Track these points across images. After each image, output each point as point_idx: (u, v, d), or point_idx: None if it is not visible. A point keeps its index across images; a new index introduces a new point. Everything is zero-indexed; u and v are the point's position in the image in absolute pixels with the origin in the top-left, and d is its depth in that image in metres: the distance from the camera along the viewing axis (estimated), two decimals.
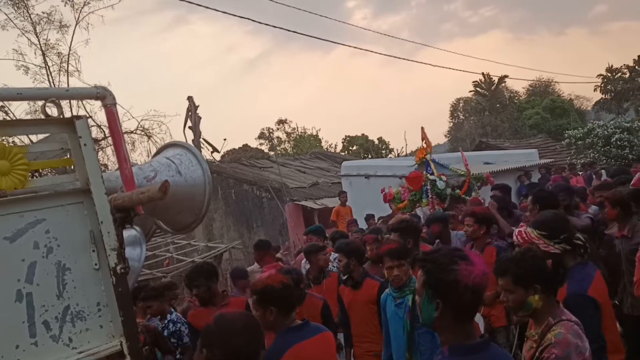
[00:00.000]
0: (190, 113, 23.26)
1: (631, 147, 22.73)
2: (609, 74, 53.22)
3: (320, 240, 6.67)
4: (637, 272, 3.51)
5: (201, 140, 23.64)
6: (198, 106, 23.59)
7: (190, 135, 23.03)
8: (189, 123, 23.22)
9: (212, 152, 23.72)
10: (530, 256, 2.81)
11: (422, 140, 10.51)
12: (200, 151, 23.77)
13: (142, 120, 23.06)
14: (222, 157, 36.72)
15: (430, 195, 9.42)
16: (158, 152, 3.53)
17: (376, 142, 50.91)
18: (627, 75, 51.95)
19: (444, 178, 9.72)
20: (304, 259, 6.32)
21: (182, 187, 3.17)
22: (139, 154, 22.93)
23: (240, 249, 15.06)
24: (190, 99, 23.63)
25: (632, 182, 4.08)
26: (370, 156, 46.03)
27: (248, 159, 27.69)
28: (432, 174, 9.75)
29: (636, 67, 51.35)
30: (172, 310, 5.55)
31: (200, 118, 23.64)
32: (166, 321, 5.26)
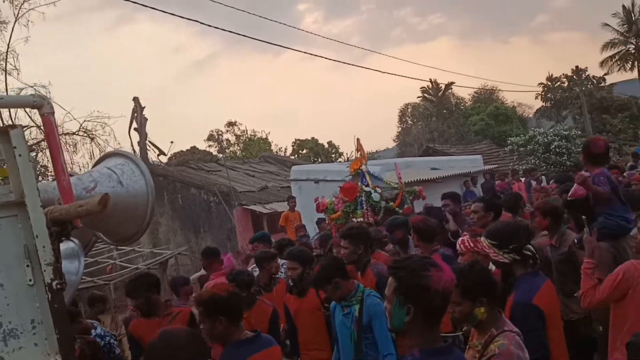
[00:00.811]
0: (135, 114, 22.70)
1: (569, 154, 23.69)
2: (549, 83, 55.34)
3: (266, 247, 6.63)
4: (583, 284, 3.62)
5: (147, 142, 23.14)
6: (144, 107, 23.05)
7: (135, 137, 22.50)
8: (135, 124, 22.67)
9: (158, 155, 23.25)
10: (478, 269, 2.88)
11: (357, 151, 10.53)
12: (147, 154, 23.35)
13: (84, 121, 22.29)
14: (169, 159, 36.04)
15: (364, 207, 9.38)
16: (99, 162, 3.43)
17: (326, 145, 51.14)
18: (566, 84, 54.15)
19: (378, 190, 9.75)
20: (252, 266, 6.28)
21: (124, 198, 3.09)
22: (81, 156, 22.17)
23: (187, 254, 14.80)
24: (136, 99, 23.07)
25: (570, 193, 4.20)
26: (320, 160, 46.21)
27: (196, 161, 27.31)
28: (367, 185, 9.77)
29: (574, 77, 53.61)
30: (96, 324, 5.44)
31: (147, 119, 23.12)
32: (92, 337, 5.11)
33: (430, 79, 47.64)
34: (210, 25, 9.96)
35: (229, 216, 18.29)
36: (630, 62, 48.81)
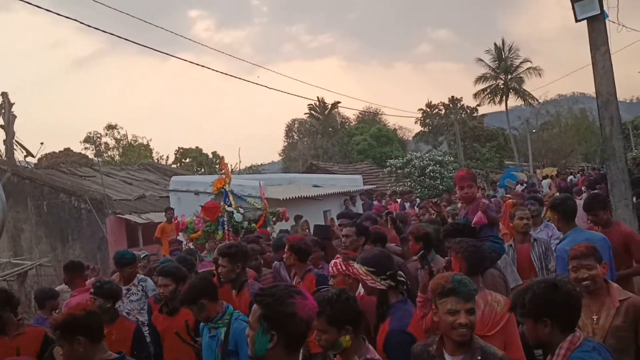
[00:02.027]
0: (3, 111, 21.09)
1: (442, 178, 25.13)
2: (428, 109, 58.67)
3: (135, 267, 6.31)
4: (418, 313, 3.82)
5: (14, 141, 21.48)
6: (13, 104, 21.49)
7: (2, 135, 20.82)
8: (1, 122, 21.00)
9: (25, 156, 21.61)
10: (345, 298, 2.92)
11: (222, 170, 10.45)
12: (13, 154, 21.62)
13: None
14: (40, 160, 33.67)
15: (226, 227, 9.20)
16: None
17: (210, 156, 50.29)
18: (443, 111, 57.65)
19: (241, 210, 9.61)
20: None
21: None
22: None
23: (50, 265, 13.74)
24: (4, 95, 21.44)
25: (475, 221, 4.37)
26: (203, 170, 45.32)
27: (69, 164, 25.67)
28: (230, 205, 9.59)
29: (450, 105, 57.20)
30: None
31: (15, 117, 21.54)
32: None
33: (318, 97, 48.62)
34: (89, 26, 9.36)
35: (100, 225, 17.30)
36: (499, 96, 52.90)
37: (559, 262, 4.62)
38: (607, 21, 6.47)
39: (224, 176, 10.36)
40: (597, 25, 6.29)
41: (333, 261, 4.18)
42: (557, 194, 6.11)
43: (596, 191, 6.06)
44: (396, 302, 3.45)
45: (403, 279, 3.52)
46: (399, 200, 17.57)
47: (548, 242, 5.60)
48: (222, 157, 10.27)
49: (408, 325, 3.35)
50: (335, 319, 2.80)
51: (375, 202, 16.76)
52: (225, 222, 9.18)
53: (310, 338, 4.97)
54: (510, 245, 5.57)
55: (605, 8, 6.44)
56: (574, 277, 3.36)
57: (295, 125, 54.22)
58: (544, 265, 5.36)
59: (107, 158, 46.23)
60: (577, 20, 6.32)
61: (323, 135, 48.02)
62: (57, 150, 42.56)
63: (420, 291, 3.74)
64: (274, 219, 10.21)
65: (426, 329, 3.59)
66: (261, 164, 51.59)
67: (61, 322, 3.09)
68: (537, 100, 51.98)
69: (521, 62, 52.44)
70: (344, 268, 3.92)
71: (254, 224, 9.62)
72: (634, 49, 18.43)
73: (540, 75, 51.81)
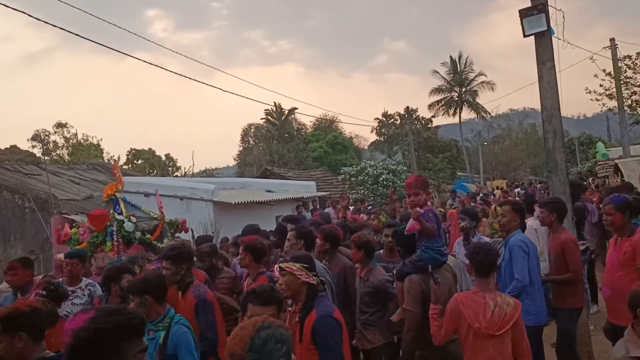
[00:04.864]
0: None
1: (395, 187, 25.40)
2: (384, 119, 59.44)
3: (83, 267, 6.13)
4: (432, 326, 3.85)
5: None
6: None
7: None
8: None
9: None
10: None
11: (115, 175, 9.39)
12: None
13: None
14: None
15: (115, 238, 8.22)
16: None
17: (164, 158, 49.51)
18: (399, 121, 58.51)
19: (133, 219, 8.71)
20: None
21: None
22: None
23: None
24: None
25: (407, 228, 4.42)
26: (155, 172, 44.55)
27: (15, 162, 24.77)
28: (121, 213, 8.64)
29: (406, 115, 58.12)
30: None
31: None
32: None
33: (275, 103, 48.56)
34: (41, 20, 9.04)
35: (44, 225, 16.74)
36: (453, 108, 54.09)
37: (516, 252, 4.92)
38: (553, 37, 6.69)
39: (115, 181, 9.35)
40: (543, 41, 6.48)
41: (275, 266, 4.20)
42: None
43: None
44: (320, 296, 3.61)
45: (323, 279, 3.73)
46: (351, 207, 17.65)
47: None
48: (115, 161, 9.57)
49: (333, 312, 3.53)
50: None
51: (329, 209, 16.79)
52: (114, 232, 8.22)
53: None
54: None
55: (552, 25, 6.67)
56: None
57: (252, 130, 54.01)
58: None
59: (55, 157, 44.92)
60: (525, 36, 6.50)
61: (279, 141, 47.95)
62: (2, 147, 41.12)
63: (432, 303, 3.95)
64: (172, 230, 9.39)
65: (442, 340, 3.85)
66: (215, 168, 51.09)
67: (5, 316, 3.01)
68: (490, 113, 53.47)
69: (476, 76, 53.88)
70: (292, 268, 3.92)
71: (148, 235, 8.76)
72: (583, 68, 19.15)
73: (493, 89, 53.41)
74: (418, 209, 4.36)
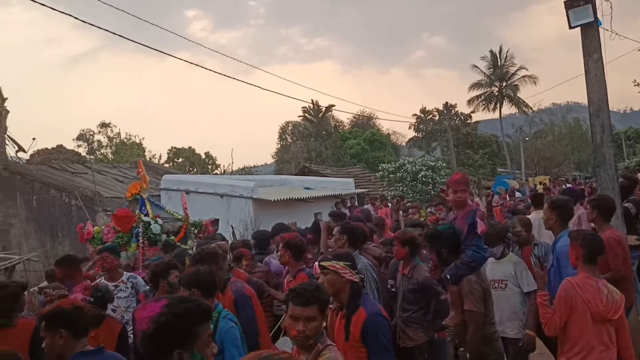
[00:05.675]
0: None
1: (434, 184, 25.14)
2: (422, 115, 58.83)
3: (116, 259, 6.23)
4: (544, 314, 3.81)
5: (6, 136, 21.30)
6: (6, 98, 21.27)
7: None
8: None
9: (17, 151, 21.42)
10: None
11: (139, 174, 9.05)
12: (5, 149, 21.46)
13: None
14: (32, 156, 33.49)
15: (141, 240, 7.93)
16: None
17: (203, 156, 50.20)
18: (437, 117, 57.82)
19: (159, 221, 8.45)
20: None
21: None
22: None
23: (38, 260, 13.63)
24: None
25: (480, 230, 4.35)
26: (195, 170, 45.22)
27: (61, 161, 25.52)
28: (147, 214, 8.33)
29: (444, 111, 57.39)
30: None
31: (8, 112, 21.33)
32: None
33: (312, 100, 48.62)
34: (85, 22, 9.26)
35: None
36: (493, 103, 53.09)
37: (564, 260, 4.62)
38: (600, 29, 6.49)
39: (140, 180, 9.02)
40: (590, 33, 6.31)
41: (315, 264, 4.22)
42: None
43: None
44: (364, 294, 3.64)
45: (362, 276, 3.74)
46: (389, 205, 17.56)
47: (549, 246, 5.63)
48: (140, 161, 9.37)
49: (381, 310, 3.56)
50: (325, 307, 2.93)
51: (368, 206, 16.73)
52: (140, 234, 7.95)
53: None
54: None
55: (599, 16, 6.47)
56: None
57: (289, 128, 54.18)
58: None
59: (99, 156, 46.08)
60: (570, 27, 6.34)
61: (316, 138, 48.00)
62: (49, 147, 42.37)
63: (540, 289, 4.01)
64: (196, 231, 9.20)
65: (557, 328, 3.78)
66: (254, 166, 51.48)
67: (47, 314, 3.18)
68: (531, 108, 52.23)
69: (516, 70, 52.75)
70: (335, 267, 3.92)
71: (172, 237, 8.58)
72: (629, 60, 18.55)
73: (535, 83, 52.12)
74: (482, 209, 4.35)
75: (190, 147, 50.12)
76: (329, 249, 5.63)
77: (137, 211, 8.36)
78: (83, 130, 48.64)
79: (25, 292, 5.76)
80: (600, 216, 5.22)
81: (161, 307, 2.17)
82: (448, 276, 4.29)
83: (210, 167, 49.22)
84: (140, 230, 7.97)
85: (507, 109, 53.97)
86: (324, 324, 2.91)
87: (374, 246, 6.40)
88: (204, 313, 2.22)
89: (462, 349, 4.40)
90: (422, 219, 7.80)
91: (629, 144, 46.96)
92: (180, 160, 48.75)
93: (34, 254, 14.07)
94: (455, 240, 4.32)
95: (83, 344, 3.16)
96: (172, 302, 2.21)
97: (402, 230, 5.42)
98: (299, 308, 2.83)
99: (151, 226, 8.15)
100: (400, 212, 8.88)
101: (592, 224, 5.52)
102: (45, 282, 6.62)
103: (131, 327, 5.17)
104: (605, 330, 3.66)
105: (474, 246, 4.28)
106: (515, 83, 52.41)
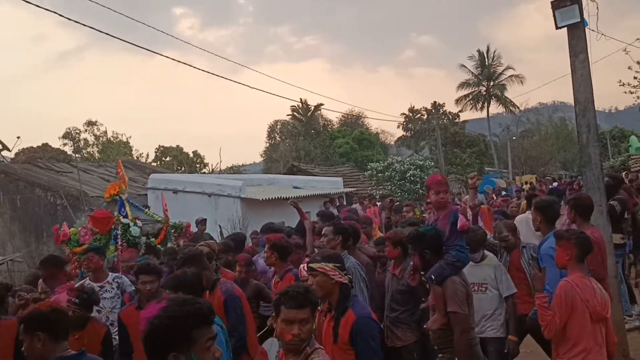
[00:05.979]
0: None
1: (422, 183, 25.19)
2: (410, 114, 58.92)
3: (102, 259, 6.17)
4: (543, 316, 3.78)
5: None
6: None
7: None
8: None
9: (1, 150, 21.22)
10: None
11: (118, 174, 8.83)
12: None
13: None
14: (16, 155, 33.13)
15: (119, 242, 7.69)
16: None
17: (191, 155, 49.97)
18: (425, 117, 57.95)
19: (139, 223, 8.24)
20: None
21: None
22: None
23: (23, 261, 13.48)
24: None
25: (459, 225, 4.31)
26: (183, 169, 45.00)
27: (47, 160, 25.26)
28: (126, 216, 8.14)
29: (433, 110, 57.53)
30: None
31: None
32: None
33: (301, 99, 48.54)
34: (71, 20, 9.17)
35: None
36: (480, 103, 53.32)
37: (546, 261, 4.55)
38: (586, 29, 6.51)
39: (119, 180, 8.79)
40: (576, 33, 6.32)
41: (301, 266, 4.20)
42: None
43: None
44: (353, 296, 3.60)
45: (350, 276, 3.70)
46: (378, 203, 17.55)
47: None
48: (120, 161, 9.17)
49: (371, 313, 3.53)
50: (315, 308, 2.92)
51: (356, 205, 16.72)
52: (119, 236, 7.73)
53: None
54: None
55: (585, 16, 6.50)
56: None
57: (278, 127, 54.08)
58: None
59: (85, 154, 45.71)
60: (557, 28, 6.35)
61: (305, 137, 47.92)
62: (34, 146, 41.92)
63: (538, 291, 3.89)
64: (176, 233, 9.04)
65: (556, 330, 3.71)
66: (242, 165, 51.44)
67: (26, 316, 3.14)
68: (518, 107, 52.54)
69: (504, 70, 53.02)
70: (324, 268, 3.86)
71: (153, 239, 8.35)
72: (614, 60, 18.72)
73: (522, 83, 52.43)
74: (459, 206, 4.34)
75: (178, 146, 49.90)
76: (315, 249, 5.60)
77: (115, 212, 8.17)
78: (69, 128, 48.26)
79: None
80: (579, 216, 5.09)
81: (159, 309, 2.17)
82: (432, 276, 4.26)
83: (198, 166, 49.01)
84: (119, 232, 7.79)
85: (495, 108, 54.29)
86: (314, 327, 2.87)
87: (368, 246, 6.37)
88: (204, 316, 2.18)
89: (440, 355, 4.37)
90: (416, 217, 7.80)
91: (613, 143, 47.34)
92: (167, 159, 48.50)
93: (18, 254, 13.92)
94: (438, 242, 4.30)
95: (64, 348, 3.09)
96: (171, 304, 2.20)
97: (394, 231, 5.39)
98: (294, 311, 2.77)
99: (130, 228, 7.97)
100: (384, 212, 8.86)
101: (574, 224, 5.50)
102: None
103: (116, 329, 5.13)
104: (599, 329, 3.69)
105: (457, 246, 4.28)
106: (503, 82, 52.72)
